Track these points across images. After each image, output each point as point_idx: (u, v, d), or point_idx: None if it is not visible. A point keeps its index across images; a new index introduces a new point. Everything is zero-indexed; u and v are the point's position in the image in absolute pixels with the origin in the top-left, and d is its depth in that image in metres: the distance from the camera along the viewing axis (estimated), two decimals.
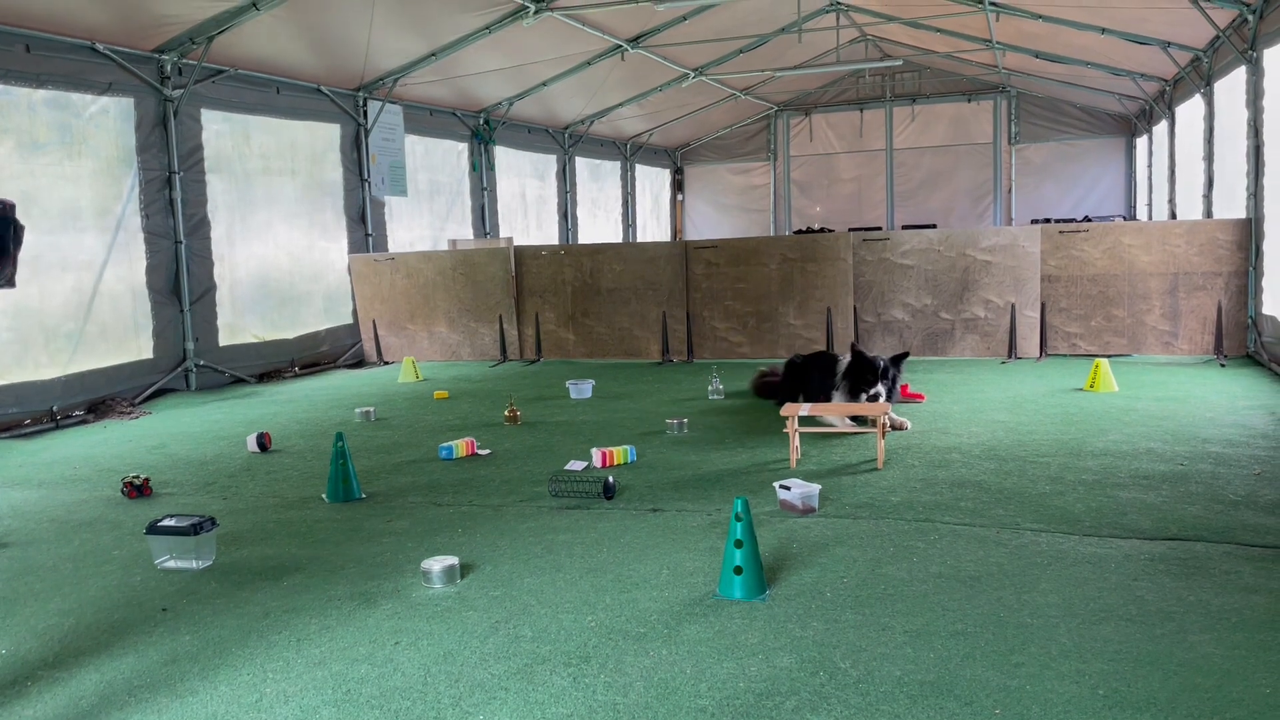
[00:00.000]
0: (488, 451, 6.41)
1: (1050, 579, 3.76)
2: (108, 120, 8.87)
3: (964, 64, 17.23)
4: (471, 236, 14.33)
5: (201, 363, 9.68)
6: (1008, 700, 2.84)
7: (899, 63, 16.25)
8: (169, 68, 9.28)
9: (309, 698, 3.00)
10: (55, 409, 8.14)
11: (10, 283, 2.76)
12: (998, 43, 14.24)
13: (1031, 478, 5.23)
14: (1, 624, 3.73)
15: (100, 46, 8.58)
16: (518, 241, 14.05)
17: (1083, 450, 5.82)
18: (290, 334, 11.00)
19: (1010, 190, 18.92)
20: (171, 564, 4.27)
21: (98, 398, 8.58)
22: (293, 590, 3.93)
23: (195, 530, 4.21)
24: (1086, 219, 16.21)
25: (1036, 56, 14.56)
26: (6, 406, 7.83)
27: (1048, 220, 16.40)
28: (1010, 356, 9.71)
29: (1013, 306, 9.70)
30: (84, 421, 8.22)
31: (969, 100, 19.03)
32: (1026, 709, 2.79)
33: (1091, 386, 7.86)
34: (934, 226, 16.16)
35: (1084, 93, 16.77)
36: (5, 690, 3.14)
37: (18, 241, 2.43)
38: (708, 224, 21.24)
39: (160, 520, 4.31)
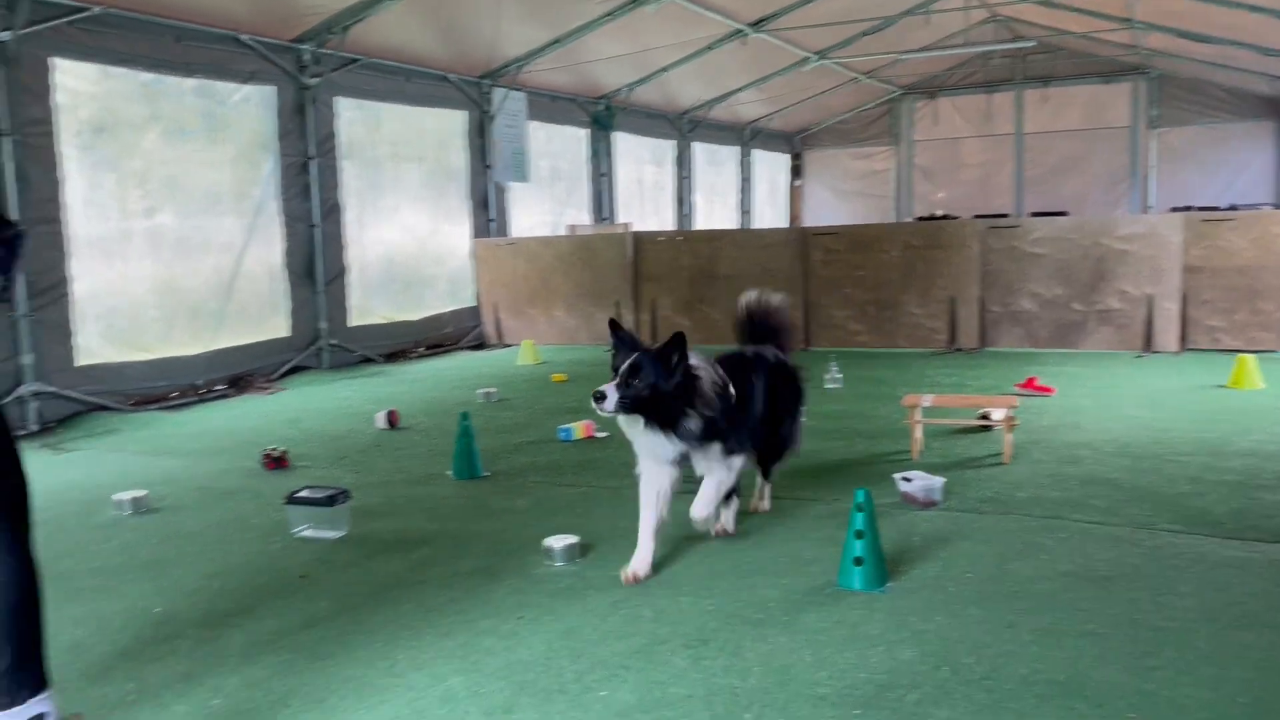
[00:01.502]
0: (605, 434, 6.49)
1: (1188, 582, 3.61)
2: (249, 108, 9.28)
3: (1101, 44, 16.48)
4: (590, 222, 14.48)
5: (333, 342, 10.07)
6: (1141, 704, 2.75)
7: (1031, 44, 15.65)
8: (307, 57, 9.65)
9: (439, 666, 3.11)
10: (199, 383, 8.60)
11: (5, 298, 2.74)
12: (1139, 22, 13.58)
13: (1169, 477, 5.01)
14: (155, 583, 3.98)
15: (244, 37, 8.98)
16: (634, 227, 14.13)
17: (1225, 449, 5.54)
18: (415, 316, 11.33)
19: (1148, 176, 18.06)
20: (308, 533, 4.47)
21: (238, 373, 9.02)
22: (421, 563, 4.08)
23: (331, 502, 4.40)
24: (1232, 207, 15.35)
25: (1180, 36, 13.82)
26: (155, 380, 8.30)
27: (1189, 208, 15.59)
28: (1146, 350, 9.30)
29: (1150, 298, 9.29)
30: (225, 396, 8.66)
31: (1105, 82, 18.21)
32: (1161, 713, 2.69)
33: (1235, 383, 7.47)
34: (1065, 214, 15.56)
35: (1231, 74, 15.86)
36: (160, 645, 3.35)
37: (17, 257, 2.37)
38: (826, 210, 20.92)
39: (298, 491, 4.52)
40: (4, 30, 7.04)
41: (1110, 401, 7.08)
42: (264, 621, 3.52)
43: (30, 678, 2.38)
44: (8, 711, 2.33)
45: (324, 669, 3.12)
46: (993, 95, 19.11)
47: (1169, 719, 2.67)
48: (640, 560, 3.81)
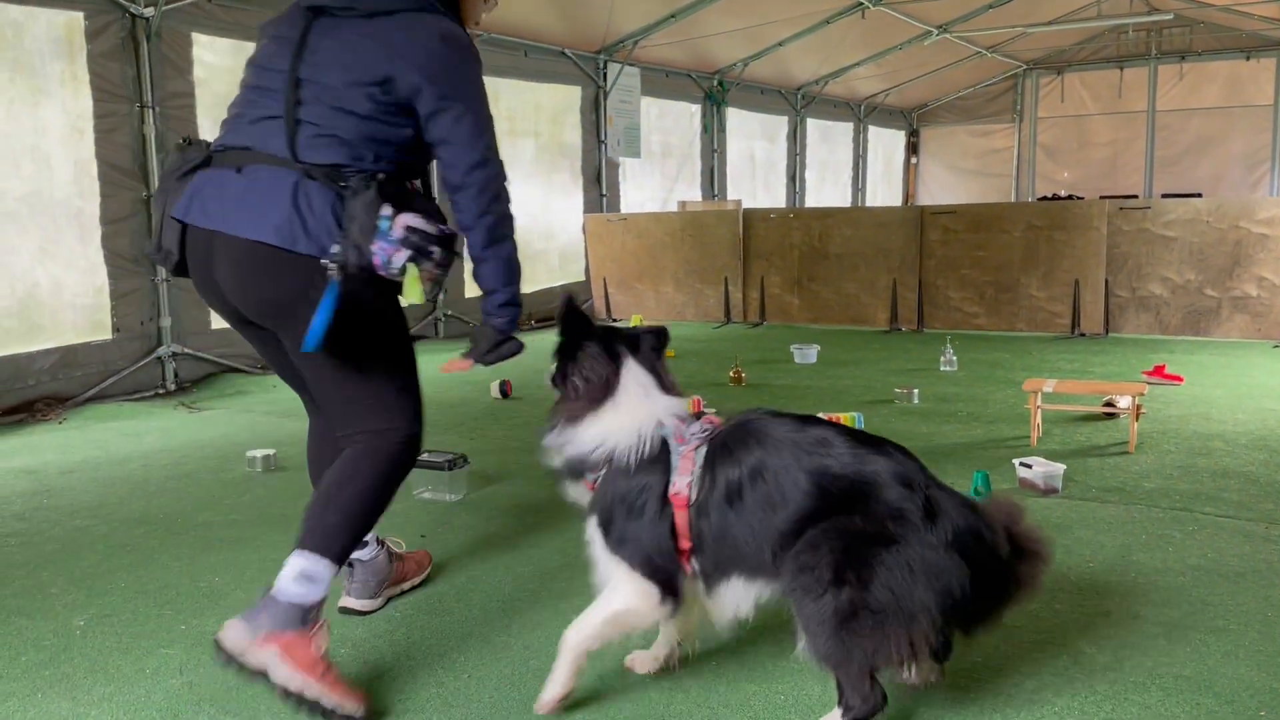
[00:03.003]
0: (713, 411, 6.49)
1: None
2: None
3: (1244, 17, 15.60)
4: (700, 198, 14.45)
5: (449, 313, 10.33)
6: (1274, 703, 2.64)
7: (1169, 16, 14.90)
8: None
9: (555, 626, 3.15)
10: None
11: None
12: None
13: None
14: (286, 536, 4.13)
15: None
16: (745, 204, 14.04)
17: None
18: (527, 289, 11.45)
19: None
20: (428, 495, 4.62)
21: None
22: (536, 527, 4.18)
23: (450, 466, 4.53)
24: None
25: None
26: None
27: None
28: None
29: None
30: None
31: (1248, 58, 17.23)
32: None
33: None
34: (1199, 195, 14.83)
35: None
36: None
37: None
38: (942, 189, 20.40)
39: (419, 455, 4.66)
40: (148, 6, 7.39)
41: (1245, 392, 6.76)
42: None
43: (339, 545, 2.71)
44: (309, 552, 2.67)
45: (444, 625, 3.24)
46: (1124, 71, 18.29)
47: None
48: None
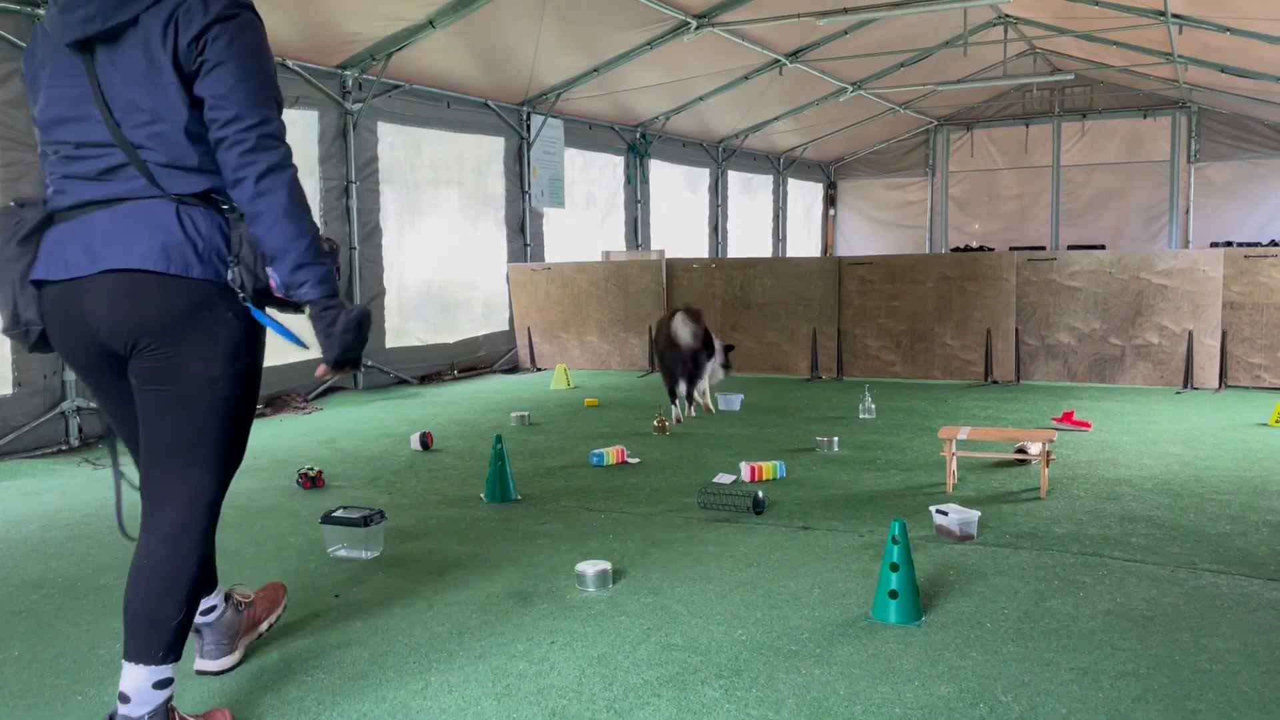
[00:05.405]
0: (637, 460, 6.49)
1: (1231, 624, 3.55)
2: (294, 131, 9.38)
3: (1141, 78, 16.42)
4: (624, 248, 14.55)
5: (369, 363, 10.17)
6: None
7: (1070, 77, 15.60)
8: (350, 83, 9.82)
9: (471, 689, 3.11)
10: None
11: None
12: (1180, 56, 13.52)
13: (1210, 516, 4.94)
14: None
15: (290, 63, 9.16)
16: (669, 254, 14.17)
17: (1267, 489, 5.46)
18: (450, 339, 11.43)
19: (1188, 211, 17.90)
20: (343, 553, 4.50)
21: (274, 393, 9.13)
22: (454, 585, 4.09)
23: (365, 522, 4.43)
24: (1274, 243, 15.19)
25: (1222, 71, 13.74)
26: None
27: (1229, 244, 15.44)
28: (1185, 387, 9.18)
29: (1190, 334, 9.18)
30: (262, 415, 8.75)
31: (1145, 116, 18.11)
32: None
33: (1276, 422, 7.36)
34: (1102, 247, 15.45)
35: (1272, 109, 15.74)
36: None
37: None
38: (860, 240, 20.91)
39: (333, 511, 4.56)
40: None
41: (1149, 438, 7.00)
42: (299, 640, 3.55)
43: (179, 646, 2.74)
44: (163, 666, 2.70)
45: (358, 689, 3.14)
46: (1030, 127, 19.05)
47: None
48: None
